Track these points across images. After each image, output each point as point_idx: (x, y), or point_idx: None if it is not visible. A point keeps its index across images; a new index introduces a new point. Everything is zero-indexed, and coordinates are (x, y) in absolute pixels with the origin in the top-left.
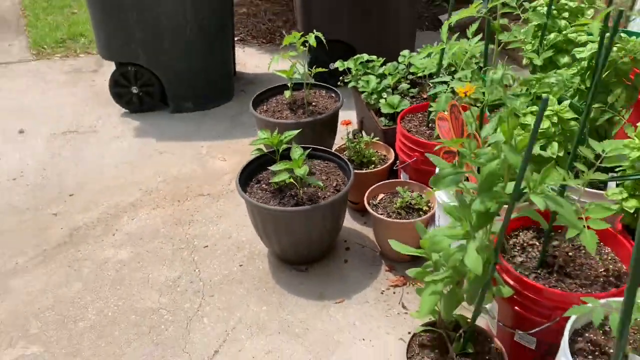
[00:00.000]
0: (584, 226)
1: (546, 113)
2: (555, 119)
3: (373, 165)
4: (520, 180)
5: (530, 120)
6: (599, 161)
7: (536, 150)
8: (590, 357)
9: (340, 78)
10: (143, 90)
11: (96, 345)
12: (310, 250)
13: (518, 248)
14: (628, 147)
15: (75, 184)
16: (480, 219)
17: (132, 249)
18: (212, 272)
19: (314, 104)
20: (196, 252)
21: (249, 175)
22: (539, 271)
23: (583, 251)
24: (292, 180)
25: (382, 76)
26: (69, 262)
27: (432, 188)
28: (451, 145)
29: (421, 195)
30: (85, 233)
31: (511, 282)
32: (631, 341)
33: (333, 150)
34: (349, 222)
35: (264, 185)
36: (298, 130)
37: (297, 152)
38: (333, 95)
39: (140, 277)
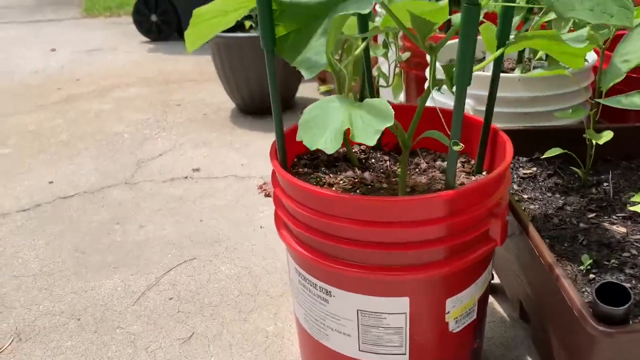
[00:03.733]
0: None
1: None
2: None
3: None
4: None
5: None
6: None
7: None
8: None
9: None
10: (161, 19)
11: (59, 150)
12: (265, 99)
13: None
14: None
15: (83, 74)
16: None
17: (115, 104)
18: (178, 117)
19: None
20: (169, 107)
21: None
22: None
23: None
24: (252, 24)
25: None
26: (58, 110)
27: None
28: None
29: None
30: (79, 98)
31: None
32: None
33: None
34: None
35: None
36: None
37: None
38: None
39: (115, 117)
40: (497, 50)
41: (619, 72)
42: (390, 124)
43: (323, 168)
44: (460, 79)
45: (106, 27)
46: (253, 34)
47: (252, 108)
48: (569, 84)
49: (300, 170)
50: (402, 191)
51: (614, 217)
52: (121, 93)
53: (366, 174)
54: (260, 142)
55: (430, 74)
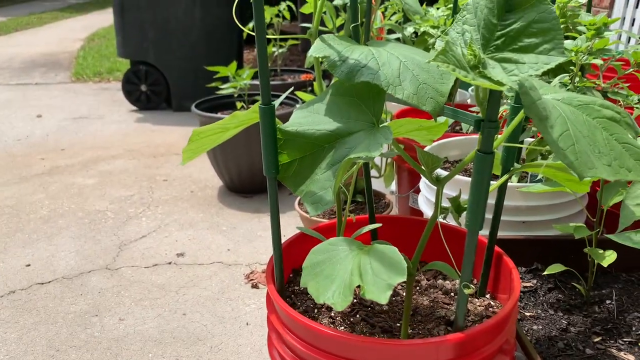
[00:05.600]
0: None
1: None
2: None
3: None
4: None
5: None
6: None
7: None
8: None
9: None
10: (151, 89)
11: (38, 227)
12: (254, 179)
13: None
14: None
15: (69, 144)
16: None
17: (99, 178)
18: (164, 193)
19: None
20: (155, 183)
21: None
22: None
23: None
24: (243, 104)
25: None
26: (40, 183)
27: None
28: None
29: None
30: (63, 170)
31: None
32: None
33: None
34: None
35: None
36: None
37: (244, 73)
38: None
39: (98, 193)
40: (502, 175)
41: (632, 215)
42: (403, 279)
43: None
44: (472, 224)
45: (94, 93)
46: None
47: (241, 187)
48: (566, 194)
49: (296, 289)
50: (405, 325)
51: (620, 341)
52: (106, 166)
53: None
54: (247, 225)
55: (436, 203)
